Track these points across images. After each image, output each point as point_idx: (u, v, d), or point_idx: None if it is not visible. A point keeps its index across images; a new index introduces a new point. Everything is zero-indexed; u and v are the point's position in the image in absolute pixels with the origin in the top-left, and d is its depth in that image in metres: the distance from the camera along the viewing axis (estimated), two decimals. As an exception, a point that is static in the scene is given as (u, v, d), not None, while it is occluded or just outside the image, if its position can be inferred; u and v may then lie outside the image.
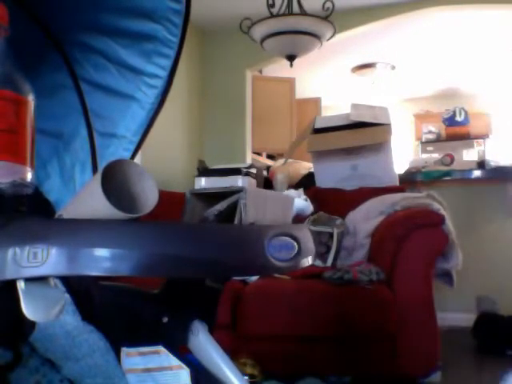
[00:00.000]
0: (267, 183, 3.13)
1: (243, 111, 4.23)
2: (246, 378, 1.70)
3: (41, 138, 0.95)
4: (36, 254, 0.54)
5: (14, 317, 0.66)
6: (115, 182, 0.66)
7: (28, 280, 0.56)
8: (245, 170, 2.80)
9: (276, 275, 2.14)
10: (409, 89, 6.46)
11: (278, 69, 4.41)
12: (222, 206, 2.11)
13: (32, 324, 0.73)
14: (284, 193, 2.67)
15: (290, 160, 3.45)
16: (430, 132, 6.75)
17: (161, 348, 0.79)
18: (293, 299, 2.06)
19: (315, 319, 2.03)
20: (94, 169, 1.07)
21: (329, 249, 2.44)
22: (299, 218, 2.59)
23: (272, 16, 3.02)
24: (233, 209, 2.11)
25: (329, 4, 3.02)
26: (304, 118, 4.38)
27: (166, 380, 0.79)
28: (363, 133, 2.91)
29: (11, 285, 0.57)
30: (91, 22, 0.99)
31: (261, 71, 4.78)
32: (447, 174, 3.39)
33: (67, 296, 0.75)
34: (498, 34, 4.63)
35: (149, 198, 0.69)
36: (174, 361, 0.79)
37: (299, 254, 0.68)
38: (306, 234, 0.73)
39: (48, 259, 0.54)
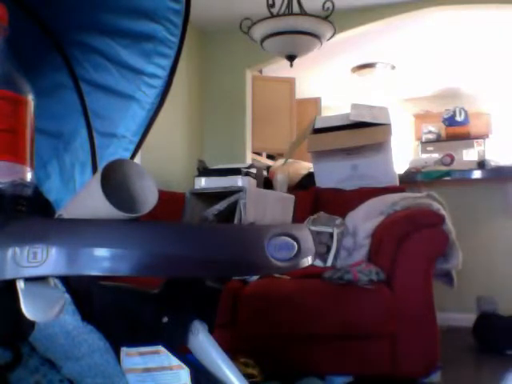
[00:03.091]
0: (267, 183, 3.13)
1: (243, 111, 4.23)
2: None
3: (41, 137, 0.95)
4: (36, 254, 0.54)
5: (13, 317, 0.66)
6: (115, 181, 0.66)
7: (28, 280, 0.56)
8: (245, 170, 2.79)
9: (276, 275, 2.14)
10: (409, 89, 6.46)
11: (278, 69, 4.41)
12: (221, 205, 2.11)
13: (32, 324, 0.73)
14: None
15: (289, 160, 3.44)
16: (429, 132, 6.75)
17: (161, 348, 0.79)
18: (293, 299, 2.06)
19: (315, 319, 2.03)
20: (94, 169, 1.08)
21: (329, 249, 2.44)
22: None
23: (272, 16, 3.01)
24: (233, 209, 2.11)
25: (329, 4, 3.02)
26: (304, 117, 4.38)
27: (166, 380, 0.79)
28: (363, 133, 2.91)
29: (11, 285, 0.57)
30: (91, 22, 0.99)
31: (261, 71, 4.78)
32: (447, 173, 3.38)
33: (67, 296, 0.75)
34: (498, 33, 4.63)
35: (148, 198, 0.69)
36: (174, 361, 0.79)
37: (299, 253, 0.68)
38: (306, 233, 0.73)
39: (48, 259, 0.54)
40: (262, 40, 3.08)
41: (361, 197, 2.62)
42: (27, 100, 0.74)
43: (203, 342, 0.81)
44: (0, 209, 0.69)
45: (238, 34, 3.18)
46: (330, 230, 2.46)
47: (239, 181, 2.73)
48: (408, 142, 6.84)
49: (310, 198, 2.86)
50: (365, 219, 2.41)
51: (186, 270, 0.59)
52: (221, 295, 0.91)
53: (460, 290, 2.51)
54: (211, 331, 0.84)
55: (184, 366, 0.78)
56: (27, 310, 0.56)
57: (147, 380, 0.79)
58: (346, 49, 4.81)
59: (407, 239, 2.07)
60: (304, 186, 3.11)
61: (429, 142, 6.73)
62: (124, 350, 0.80)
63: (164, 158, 3.70)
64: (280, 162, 3.64)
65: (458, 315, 3.22)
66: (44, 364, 0.77)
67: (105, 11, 0.97)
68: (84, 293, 0.79)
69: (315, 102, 5.05)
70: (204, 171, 3.00)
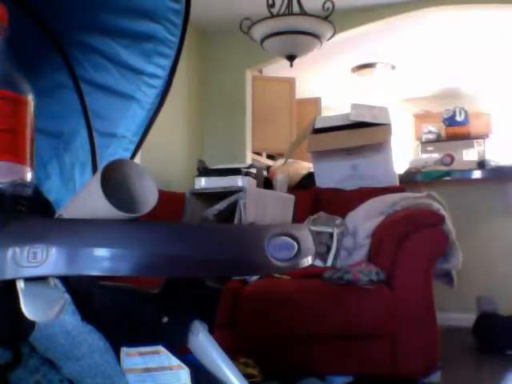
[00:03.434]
0: (267, 183, 3.13)
1: (243, 111, 4.23)
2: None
3: (41, 137, 0.95)
4: (36, 254, 0.54)
5: (13, 317, 0.66)
6: (115, 181, 0.66)
7: (28, 280, 0.56)
8: (245, 170, 2.79)
9: (276, 275, 2.14)
10: (409, 89, 6.46)
11: (278, 69, 4.41)
12: (221, 205, 2.11)
13: (32, 324, 0.73)
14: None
15: (289, 160, 3.44)
16: (429, 132, 6.75)
17: (161, 348, 0.79)
18: (293, 299, 2.06)
19: (315, 319, 2.03)
20: (94, 169, 1.08)
21: (329, 249, 2.44)
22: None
23: (272, 16, 3.01)
24: (233, 209, 2.11)
25: (329, 4, 3.02)
26: (304, 117, 4.38)
27: (166, 380, 0.79)
28: (363, 133, 2.91)
29: (11, 285, 0.57)
30: (91, 22, 0.99)
31: (261, 71, 4.78)
32: (447, 173, 3.38)
33: (67, 296, 0.75)
34: (498, 33, 4.63)
35: (148, 198, 0.69)
36: (174, 361, 0.79)
37: (299, 253, 0.68)
38: (306, 233, 0.73)
39: (48, 259, 0.54)
40: (262, 40, 3.08)
41: (361, 197, 2.62)
42: (27, 100, 0.74)
43: (203, 342, 0.81)
44: (0, 209, 0.69)
45: (237, 34, 3.18)
46: (330, 229, 2.46)
47: (239, 181, 2.73)
48: (408, 141, 6.84)
49: (310, 197, 2.86)
50: (365, 219, 2.41)
51: (186, 269, 0.59)
52: (221, 295, 0.91)
53: (460, 290, 2.51)
54: (211, 331, 0.84)
55: (184, 366, 0.78)
56: (27, 309, 0.56)
57: (147, 380, 0.79)
58: (346, 49, 4.81)
59: (407, 239, 2.07)
60: (304, 186, 3.11)
61: (429, 141, 6.73)
62: (124, 350, 0.80)
63: (164, 158, 3.70)
64: (280, 162, 3.64)
65: (458, 315, 3.22)
66: (44, 364, 0.77)
67: (105, 11, 0.97)
68: (84, 293, 0.79)
69: (315, 102, 5.05)
70: (204, 171, 3.00)
